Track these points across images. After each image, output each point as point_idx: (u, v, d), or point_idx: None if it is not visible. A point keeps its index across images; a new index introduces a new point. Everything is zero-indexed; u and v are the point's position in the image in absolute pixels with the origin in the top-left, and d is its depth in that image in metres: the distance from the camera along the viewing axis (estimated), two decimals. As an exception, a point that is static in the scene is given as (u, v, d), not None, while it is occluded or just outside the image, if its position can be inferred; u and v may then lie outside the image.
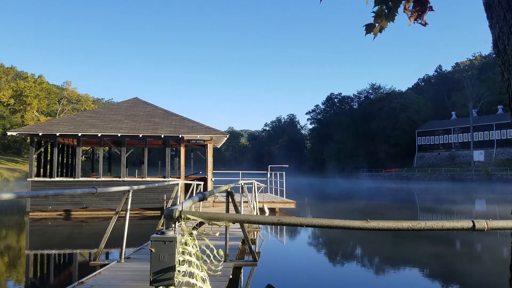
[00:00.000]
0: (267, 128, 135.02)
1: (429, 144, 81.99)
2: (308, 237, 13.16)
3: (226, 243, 6.42)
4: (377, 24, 2.70)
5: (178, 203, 11.51)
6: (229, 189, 6.36)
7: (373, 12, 2.68)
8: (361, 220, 1.91)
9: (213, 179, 19.05)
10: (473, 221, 1.91)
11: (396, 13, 2.66)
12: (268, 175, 21.92)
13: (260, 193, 19.59)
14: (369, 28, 2.72)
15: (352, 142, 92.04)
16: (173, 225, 1.93)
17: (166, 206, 15.70)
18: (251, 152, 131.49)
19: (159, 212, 16.68)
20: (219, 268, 3.92)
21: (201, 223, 2.21)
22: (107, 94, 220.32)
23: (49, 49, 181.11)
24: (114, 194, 16.27)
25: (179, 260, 1.90)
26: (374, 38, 2.75)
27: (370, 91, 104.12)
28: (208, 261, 2.33)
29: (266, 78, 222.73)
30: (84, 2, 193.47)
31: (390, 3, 2.65)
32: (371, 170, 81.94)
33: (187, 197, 13.55)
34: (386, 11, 2.66)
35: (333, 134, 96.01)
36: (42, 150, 19.24)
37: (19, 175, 57.66)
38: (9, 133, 18.60)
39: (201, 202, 8.03)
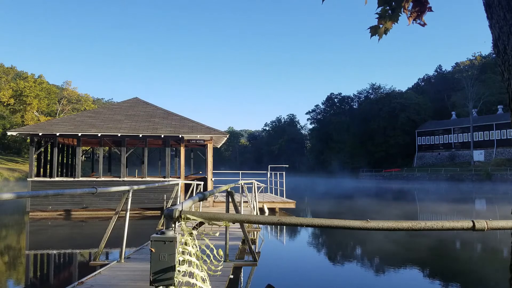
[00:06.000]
0: (267, 128, 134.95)
1: (429, 144, 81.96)
2: (308, 237, 13.16)
3: (226, 243, 6.43)
4: (381, 26, 2.69)
5: (178, 203, 11.51)
6: (229, 189, 6.36)
7: (376, 13, 2.68)
8: (361, 220, 1.91)
9: (213, 179, 19.05)
10: (473, 221, 1.91)
11: (400, 14, 2.66)
12: (268, 175, 21.91)
13: (260, 193, 19.58)
14: (373, 30, 2.72)
15: (352, 142, 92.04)
16: (173, 225, 1.94)
17: (166, 206, 15.70)
18: (251, 152, 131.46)
19: (159, 212, 16.68)
20: (219, 268, 3.92)
21: (201, 223, 2.21)
22: (107, 94, 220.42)
23: (49, 49, 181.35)
24: (114, 194, 16.27)
25: (179, 260, 1.90)
26: (379, 40, 2.75)
27: (370, 91, 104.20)
28: (208, 261, 2.33)
29: (266, 78, 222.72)
30: (84, 2, 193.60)
31: (393, 3, 2.64)
32: (371, 170, 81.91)
33: (187, 197, 13.55)
34: (389, 11, 2.66)
35: (333, 134, 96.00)
36: (42, 150, 19.24)
37: (19, 175, 57.62)
38: (9, 133, 18.61)
39: (201, 202, 8.03)
